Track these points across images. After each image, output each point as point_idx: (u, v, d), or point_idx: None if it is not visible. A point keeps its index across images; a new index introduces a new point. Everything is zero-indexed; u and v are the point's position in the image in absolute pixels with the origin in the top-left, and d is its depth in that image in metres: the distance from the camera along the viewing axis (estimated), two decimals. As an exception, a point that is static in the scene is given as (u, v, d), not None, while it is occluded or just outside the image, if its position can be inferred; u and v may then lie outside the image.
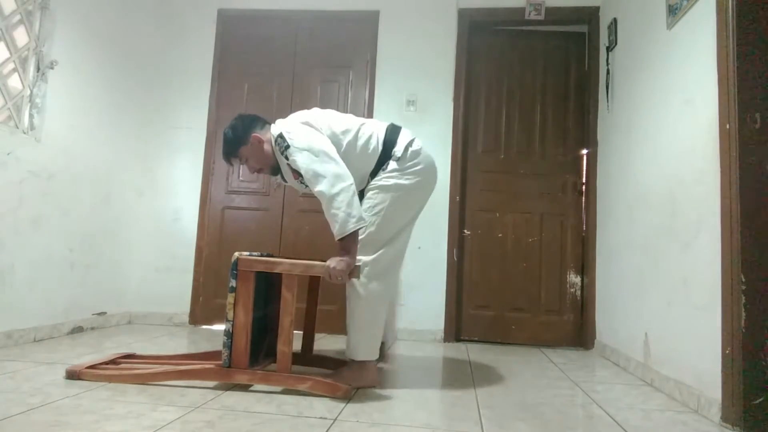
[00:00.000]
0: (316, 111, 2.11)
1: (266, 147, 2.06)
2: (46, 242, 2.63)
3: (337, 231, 1.83)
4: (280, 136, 1.97)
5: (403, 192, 2.01)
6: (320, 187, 1.86)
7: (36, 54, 2.61)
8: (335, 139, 2.00)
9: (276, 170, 2.11)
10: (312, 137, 1.95)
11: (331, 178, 1.86)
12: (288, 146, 1.93)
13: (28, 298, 2.52)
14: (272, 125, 2.08)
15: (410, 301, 3.27)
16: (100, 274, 3.09)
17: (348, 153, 1.99)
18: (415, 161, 2.05)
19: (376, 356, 2.02)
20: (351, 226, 1.81)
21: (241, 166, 3.46)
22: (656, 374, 2.23)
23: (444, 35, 3.44)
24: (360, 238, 1.90)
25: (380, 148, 2.04)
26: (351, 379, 1.93)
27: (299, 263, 1.89)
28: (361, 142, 2.03)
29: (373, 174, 2.05)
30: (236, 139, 2.09)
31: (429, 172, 2.10)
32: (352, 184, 1.88)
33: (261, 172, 2.16)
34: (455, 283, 3.30)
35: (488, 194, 3.43)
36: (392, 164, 2.02)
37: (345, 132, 2.02)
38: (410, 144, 2.07)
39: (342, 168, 1.90)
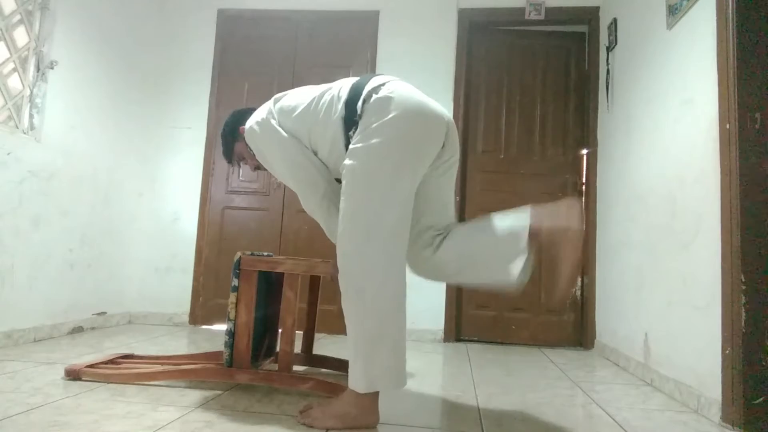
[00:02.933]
0: (269, 102, 1.82)
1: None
2: (46, 242, 2.63)
3: (329, 237, 1.76)
4: (245, 140, 1.83)
5: (374, 156, 1.51)
6: (300, 200, 1.78)
7: (36, 54, 2.61)
8: (294, 116, 1.70)
9: None
10: (266, 143, 1.74)
11: (300, 193, 1.74)
12: (254, 154, 1.83)
13: (28, 298, 2.52)
14: None
15: (410, 301, 3.25)
16: (100, 274, 3.09)
17: (314, 124, 1.67)
18: (382, 111, 1.52)
19: (404, 383, 1.53)
20: (333, 237, 1.65)
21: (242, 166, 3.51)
22: (656, 374, 2.24)
23: (444, 35, 3.44)
24: (339, 230, 1.54)
25: (343, 111, 1.59)
26: (342, 419, 1.50)
27: (302, 262, 1.89)
28: (322, 109, 1.65)
29: (347, 147, 1.60)
30: (228, 135, 1.96)
31: (411, 121, 1.53)
32: (323, 197, 1.69)
33: (261, 169, 1.96)
34: (455, 283, 3.30)
35: (488, 194, 3.43)
36: (359, 127, 1.56)
37: (302, 106, 1.69)
38: (375, 90, 1.56)
39: (306, 182, 1.69)
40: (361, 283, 1.49)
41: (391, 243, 1.51)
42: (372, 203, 1.50)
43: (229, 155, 2.00)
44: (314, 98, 1.69)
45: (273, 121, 1.73)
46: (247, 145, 1.85)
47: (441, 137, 1.62)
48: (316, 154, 1.72)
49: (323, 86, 1.74)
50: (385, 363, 1.48)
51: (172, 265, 3.45)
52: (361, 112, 1.55)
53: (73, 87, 2.81)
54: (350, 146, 1.56)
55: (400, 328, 1.52)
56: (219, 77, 3.55)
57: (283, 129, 1.71)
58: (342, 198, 1.55)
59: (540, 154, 3.45)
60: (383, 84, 1.59)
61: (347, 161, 1.54)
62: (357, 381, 1.48)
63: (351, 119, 1.58)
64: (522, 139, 3.47)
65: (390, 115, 1.52)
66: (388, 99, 1.54)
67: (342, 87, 1.66)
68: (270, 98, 1.84)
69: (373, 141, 1.51)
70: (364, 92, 1.57)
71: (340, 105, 1.61)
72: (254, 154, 1.85)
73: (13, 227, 2.42)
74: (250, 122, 1.80)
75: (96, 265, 3.05)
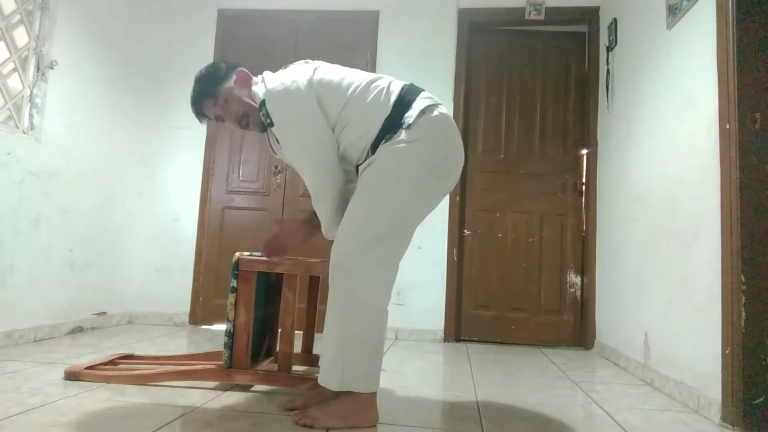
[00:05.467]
0: (306, 68, 1.66)
1: (255, 89, 1.65)
2: (46, 242, 2.63)
3: (324, 233, 1.74)
4: (263, 103, 1.58)
5: (413, 169, 1.53)
6: (307, 183, 1.67)
7: (36, 54, 2.60)
8: (337, 93, 1.59)
9: (264, 127, 1.66)
10: (297, 122, 1.57)
11: (315, 182, 1.62)
12: (272, 123, 1.59)
13: (28, 298, 2.52)
14: (260, 80, 1.66)
15: (410, 301, 3.27)
16: (100, 274, 3.09)
17: (353, 109, 1.58)
18: (434, 132, 1.56)
19: (377, 386, 1.55)
20: (334, 233, 1.63)
21: (241, 166, 3.52)
22: (656, 374, 2.24)
23: (444, 35, 3.44)
24: (345, 225, 1.56)
25: (390, 109, 1.56)
26: (344, 418, 1.50)
27: (301, 263, 1.89)
28: (371, 95, 1.58)
29: (374, 146, 1.58)
30: (216, 72, 1.68)
31: (451, 154, 1.61)
32: (340, 191, 1.63)
33: (248, 126, 1.70)
34: (455, 283, 3.30)
35: (488, 194, 3.43)
36: (402, 134, 1.53)
37: (350, 84, 1.61)
38: (429, 109, 1.58)
39: (327, 173, 1.60)
40: (358, 288, 1.50)
41: (394, 256, 1.56)
42: (393, 212, 1.53)
43: (210, 95, 1.67)
44: (363, 81, 1.62)
45: (315, 100, 1.57)
46: (237, 92, 1.65)
47: (459, 172, 1.68)
48: (338, 135, 1.62)
49: (365, 72, 1.69)
50: (363, 366, 1.51)
51: (172, 265, 3.45)
52: (412, 123, 1.54)
53: (73, 87, 2.81)
54: (388, 148, 1.54)
55: (382, 334, 1.56)
56: (219, 77, 3.55)
57: (318, 102, 1.58)
58: (360, 196, 1.55)
59: (540, 154, 3.45)
60: (435, 105, 1.61)
61: (380, 161, 1.54)
62: (331, 379, 1.51)
63: (394, 122, 1.56)
64: (522, 139, 3.47)
65: (439, 139, 1.58)
66: (442, 123, 1.59)
67: (392, 83, 1.63)
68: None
69: (417, 155, 1.53)
70: (419, 105, 1.58)
71: (391, 102, 1.58)
72: (260, 109, 1.60)
73: (13, 227, 2.42)
74: (280, 83, 1.58)
75: (96, 265, 3.05)
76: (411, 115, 1.55)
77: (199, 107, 1.71)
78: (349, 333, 1.51)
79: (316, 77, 1.62)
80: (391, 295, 1.60)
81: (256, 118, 1.66)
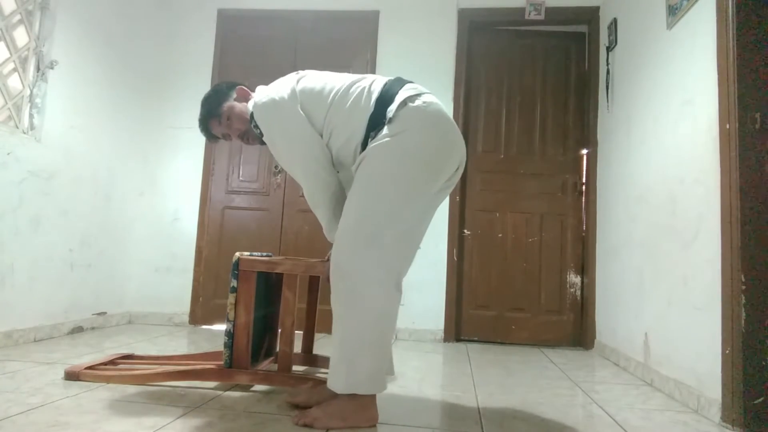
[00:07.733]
0: (292, 79, 1.68)
1: (249, 104, 1.73)
2: (46, 242, 2.63)
3: (326, 236, 1.74)
4: (252, 116, 1.66)
5: (399, 163, 1.50)
6: (303, 189, 1.70)
7: (36, 54, 2.60)
8: (319, 100, 1.61)
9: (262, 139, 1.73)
10: (283, 130, 1.60)
11: (309, 188, 1.65)
12: (262, 134, 1.66)
13: (28, 298, 2.52)
14: (255, 93, 1.73)
15: (410, 301, 3.27)
16: (100, 274, 3.09)
17: (335, 113, 1.59)
18: (417, 122, 1.52)
19: (384, 388, 1.56)
20: (334, 235, 1.64)
21: (241, 166, 3.52)
22: (656, 374, 2.24)
23: (444, 35, 3.44)
24: (342, 228, 1.54)
25: (372, 107, 1.55)
26: (343, 418, 1.50)
27: (301, 263, 1.89)
28: (351, 98, 1.58)
29: (364, 145, 1.58)
30: (217, 94, 1.77)
31: (441, 141, 1.55)
32: (333, 195, 1.65)
33: (248, 140, 1.78)
34: (455, 283, 3.30)
35: (488, 194, 3.43)
36: (385, 129, 1.52)
37: (330, 90, 1.61)
38: (411, 99, 1.55)
39: (318, 179, 1.62)
40: (357, 287, 1.50)
41: (393, 253, 1.54)
42: (384, 209, 1.51)
43: (214, 114, 1.76)
44: (344, 84, 1.62)
45: (299, 107, 1.60)
46: (237, 109, 1.73)
47: (458, 161, 1.62)
48: (327, 141, 1.64)
49: (349, 75, 1.68)
50: (368, 368, 1.50)
51: (172, 265, 3.45)
52: (393, 116, 1.52)
53: (73, 87, 2.81)
54: (373, 145, 1.53)
55: (388, 335, 1.55)
56: (219, 77, 3.54)
57: (302, 110, 1.61)
58: (352, 196, 1.55)
59: (540, 154, 3.45)
60: (419, 94, 1.58)
61: (368, 160, 1.53)
62: (337, 382, 1.51)
63: (379, 119, 1.55)
64: (522, 139, 3.47)
65: (424, 128, 1.53)
66: (424, 112, 1.54)
67: (374, 82, 1.62)
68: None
69: (402, 148, 1.50)
70: (400, 97, 1.55)
71: (372, 100, 1.56)
72: (250, 121, 1.68)
73: (13, 227, 2.42)
74: (265, 95, 1.63)
75: (96, 265, 3.05)
76: (392, 109, 1.53)
77: (206, 127, 1.82)
78: (351, 334, 1.50)
79: (299, 87, 1.64)
80: (399, 295, 1.59)
81: (254, 132, 1.72)
